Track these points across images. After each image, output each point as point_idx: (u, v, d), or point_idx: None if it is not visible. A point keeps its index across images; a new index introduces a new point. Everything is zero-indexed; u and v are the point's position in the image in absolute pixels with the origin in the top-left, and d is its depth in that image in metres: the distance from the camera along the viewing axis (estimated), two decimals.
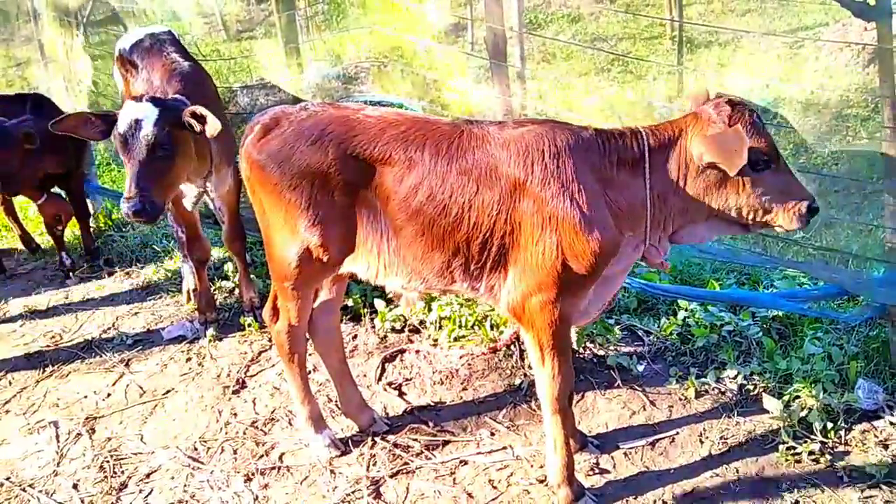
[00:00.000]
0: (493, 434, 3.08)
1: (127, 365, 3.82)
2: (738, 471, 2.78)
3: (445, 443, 3.05)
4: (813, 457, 2.79)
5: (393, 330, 3.84)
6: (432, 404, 3.29)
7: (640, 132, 2.40)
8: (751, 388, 3.17)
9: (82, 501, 2.91)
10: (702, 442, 2.93)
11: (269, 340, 3.78)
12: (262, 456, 3.07)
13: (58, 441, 3.27)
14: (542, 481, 2.78)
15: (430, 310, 3.81)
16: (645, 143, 2.37)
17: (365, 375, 3.50)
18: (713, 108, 2.35)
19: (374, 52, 4.67)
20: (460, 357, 3.56)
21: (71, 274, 4.80)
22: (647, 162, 2.35)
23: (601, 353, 3.47)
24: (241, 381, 3.59)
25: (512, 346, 3.51)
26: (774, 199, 2.36)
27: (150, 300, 4.46)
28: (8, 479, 3.07)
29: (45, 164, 4.66)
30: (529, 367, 3.39)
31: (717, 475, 2.77)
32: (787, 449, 2.82)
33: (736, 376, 3.21)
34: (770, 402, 3.01)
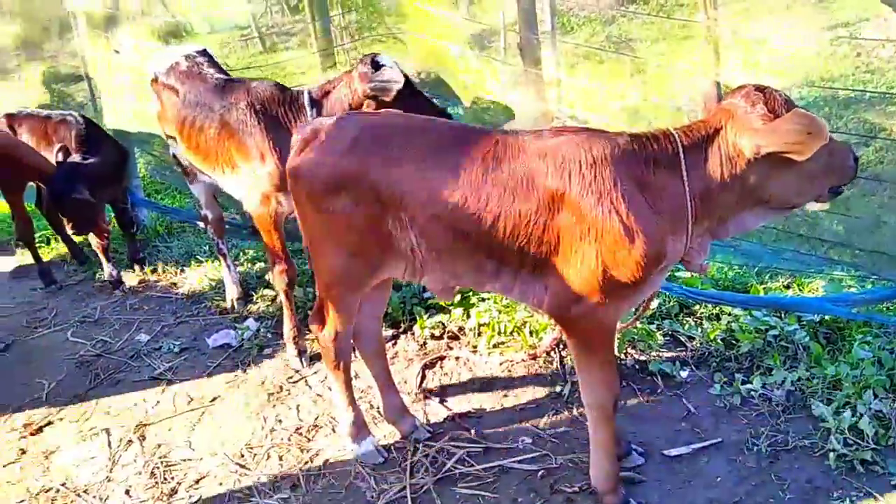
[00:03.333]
0: (534, 441, 3.07)
1: (174, 373, 3.91)
2: (786, 479, 2.73)
3: (487, 450, 3.05)
4: (865, 464, 2.72)
5: (432, 337, 3.86)
6: (473, 411, 3.30)
7: (672, 133, 2.36)
8: (798, 394, 3.11)
9: None
10: (748, 450, 2.89)
11: (309, 349, 3.84)
12: (306, 462, 3.11)
13: (110, 448, 3.36)
14: (584, 489, 2.77)
15: (468, 316, 3.82)
16: (679, 144, 2.33)
17: (405, 382, 3.53)
18: (743, 99, 2.29)
19: (413, 60, 4.70)
20: (500, 364, 3.56)
21: (119, 285, 4.92)
22: (682, 162, 2.32)
23: (643, 359, 3.44)
24: (284, 388, 3.64)
25: (552, 353, 3.50)
26: (827, 163, 2.31)
27: (195, 309, 4.56)
28: (63, 484, 3.16)
29: (109, 193, 4.81)
30: (570, 374, 3.38)
31: (765, 484, 2.73)
32: (838, 457, 2.76)
33: (783, 382, 3.16)
34: (819, 409, 2.96)
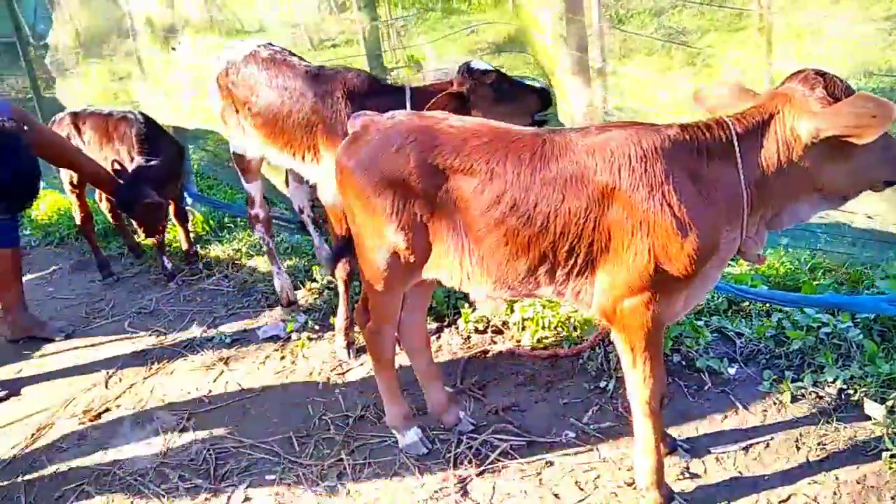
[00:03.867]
0: (578, 435, 3.07)
1: (226, 363, 4.02)
2: (837, 479, 2.67)
3: (530, 443, 3.06)
4: None
5: (476, 331, 3.88)
6: (516, 405, 3.31)
7: (726, 121, 2.32)
8: (851, 392, 3.04)
9: (188, 491, 3.09)
10: (798, 448, 2.84)
11: (357, 341, 3.91)
12: (352, 452, 3.17)
13: (164, 434, 3.48)
14: (629, 484, 2.76)
15: (512, 311, 3.83)
16: (732, 131, 2.29)
17: (449, 375, 3.56)
18: (801, 83, 2.24)
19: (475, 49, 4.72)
20: (544, 358, 3.57)
21: (173, 277, 5.08)
22: (737, 150, 2.27)
23: (690, 355, 3.40)
24: (332, 379, 3.72)
25: (596, 348, 3.49)
26: (884, 155, 2.25)
27: (245, 301, 4.68)
28: (121, 468, 3.29)
29: (170, 190, 4.98)
30: (615, 369, 3.37)
31: (815, 483, 2.68)
32: (891, 457, 2.69)
33: (835, 380, 3.08)
34: (872, 408, 2.88)
